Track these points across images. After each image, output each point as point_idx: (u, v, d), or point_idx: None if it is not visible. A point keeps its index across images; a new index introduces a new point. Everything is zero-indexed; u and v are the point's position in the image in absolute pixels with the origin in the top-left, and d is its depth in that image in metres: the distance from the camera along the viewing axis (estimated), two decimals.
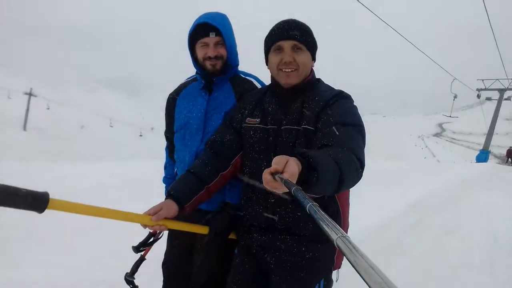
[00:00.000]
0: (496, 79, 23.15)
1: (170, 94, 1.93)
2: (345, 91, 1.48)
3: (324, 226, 0.64)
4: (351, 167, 1.13)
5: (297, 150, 1.08)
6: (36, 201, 1.06)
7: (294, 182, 0.91)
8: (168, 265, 1.90)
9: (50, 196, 1.10)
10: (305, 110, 1.41)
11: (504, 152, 26.86)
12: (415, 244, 4.06)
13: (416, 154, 67.97)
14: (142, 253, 1.45)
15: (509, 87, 22.73)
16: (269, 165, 0.99)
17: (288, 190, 0.87)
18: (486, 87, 23.39)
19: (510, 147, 26.60)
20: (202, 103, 1.74)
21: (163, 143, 2.04)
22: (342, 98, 1.43)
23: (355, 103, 1.45)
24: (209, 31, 1.64)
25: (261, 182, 1.00)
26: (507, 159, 25.75)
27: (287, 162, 0.94)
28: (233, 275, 1.59)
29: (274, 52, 1.44)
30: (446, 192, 7.12)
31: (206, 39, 1.66)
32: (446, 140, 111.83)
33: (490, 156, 23.38)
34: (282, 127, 1.43)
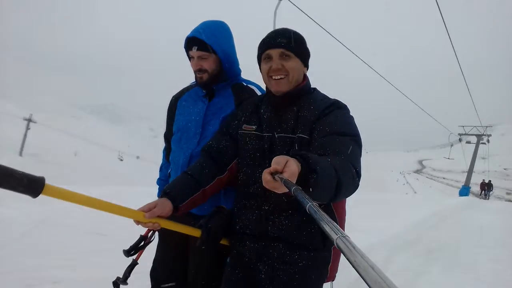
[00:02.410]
0: (474, 126, 27.85)
1: (173, 96, 1.93)
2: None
3: (324, 226, 0.65)
4: (349, 175, 1.13)
5: (296, 152, 1.06)
6: (31, 185, 1.01)
7: (294, 182, 0.91)
8: (156, 273, 1.86)
9: (46, 182, 1.06)
10: (300, 118, 1.41)
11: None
12: (442, 226, 7.91)
13: (398, 189, 70.02)
14: (134, 257, 1.40)
15: (485, 133, 27.37)
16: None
17: (287, 190, 0.87)
18: (466, 132, 27.80)
19: (483, 180, 28.38)
20: (202, 107, 1.74)
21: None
22: (338, 108, 1.42)
23: (351, 113, 1.44)
24: (196, 44, 1.64)
25: (256, 189, 1.00)
26: (481, 192, 27.31)
27: (287, 162, 0.94)
28: (224, 285, 1.56)
29: (264, 60, 1.46)
30: (448, 209, 11.13)
31: (191, 53, 1.68)
32: (426, 177, 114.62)
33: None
34: (277, 135, 1.42)
